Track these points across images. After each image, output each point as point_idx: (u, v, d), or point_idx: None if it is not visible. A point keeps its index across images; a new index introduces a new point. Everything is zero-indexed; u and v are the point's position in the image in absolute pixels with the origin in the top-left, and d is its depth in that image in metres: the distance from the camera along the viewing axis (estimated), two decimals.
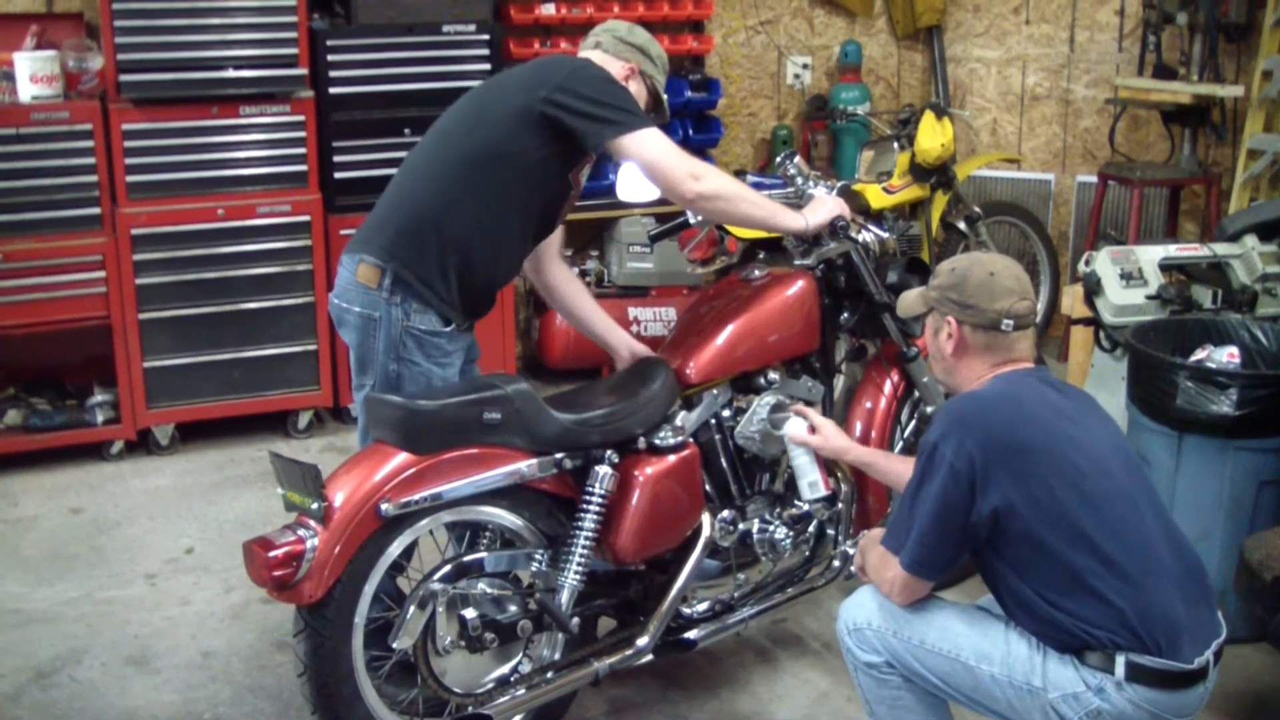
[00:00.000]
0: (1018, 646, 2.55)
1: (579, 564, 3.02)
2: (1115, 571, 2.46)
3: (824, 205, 3.42)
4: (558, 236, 3.49)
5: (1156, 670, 2.44)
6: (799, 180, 3.66)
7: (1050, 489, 2.47)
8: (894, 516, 2.65)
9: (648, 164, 3.12)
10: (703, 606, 3.36)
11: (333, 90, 5.21)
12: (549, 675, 3.04)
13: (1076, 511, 2.47)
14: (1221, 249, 4.43)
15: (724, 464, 3.39)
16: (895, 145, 5.73)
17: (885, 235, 3.58)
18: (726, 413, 3.39)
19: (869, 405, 3.75)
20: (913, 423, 3.80)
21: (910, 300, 2.85)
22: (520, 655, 3.12)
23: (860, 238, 3.54)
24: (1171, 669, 2.45)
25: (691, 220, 3.58)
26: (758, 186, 3.94)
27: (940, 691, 2.66)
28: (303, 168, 5.18)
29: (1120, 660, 2.44)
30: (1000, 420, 2.53)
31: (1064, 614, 2.48)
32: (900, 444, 3.77)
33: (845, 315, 3.63)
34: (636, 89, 3.29)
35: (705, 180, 3.13)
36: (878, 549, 2.68)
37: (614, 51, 3.31)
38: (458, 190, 3.10)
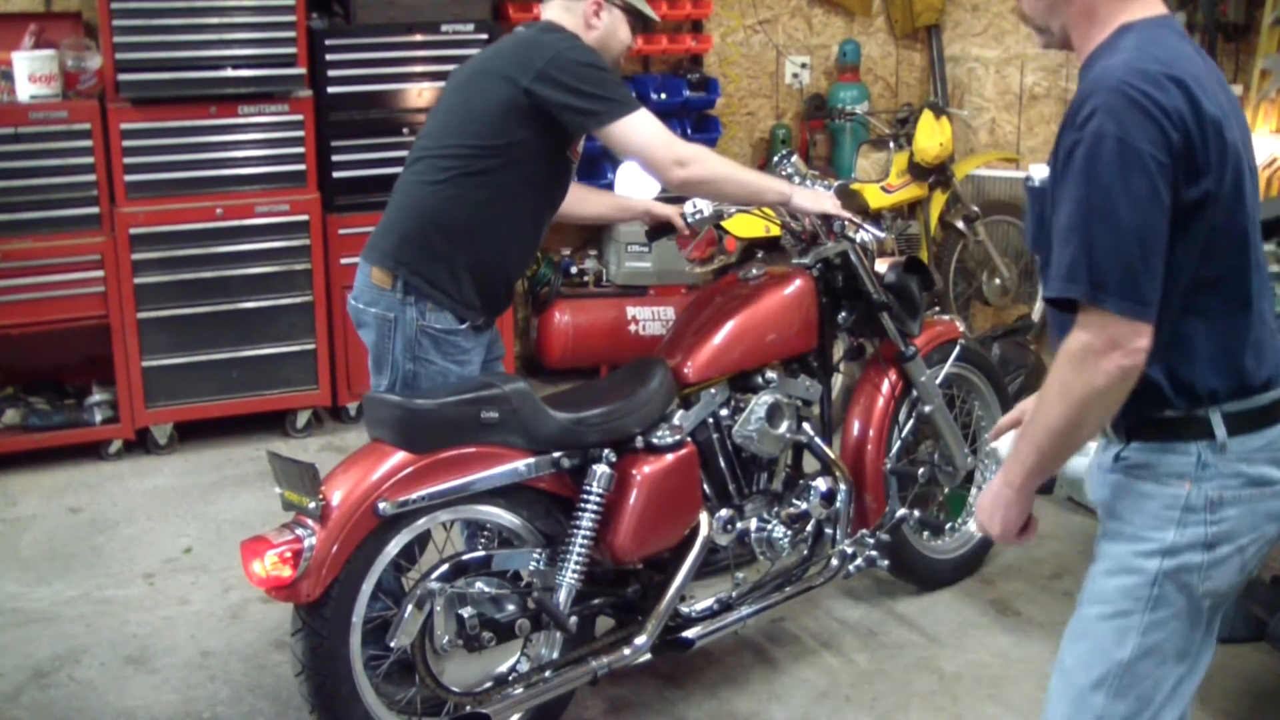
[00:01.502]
0: (1103, 571, 2.13)
1: (577, 563, 3.02)
2: (1242, 285, 2.06)
3: (817, 194, 3.43)
4: None
5: (1256, 409, 2.07)
6: (796, 180, 3.66)
7: (1224, 177, 1.99)
8: (1057, 260, 1.99)
9: (633, 150, 3.11)
10: (701, 606, 3.36)
11: (331, 90, 5.21)
12: (547, 674, 3.04)
13: (1241, 205, 2.03)
14: None
15: (722, 463, 3.39)
16: (890, 145, 5.74)
17: (882, 235, 3.58)
18: (724, 412, 3.39)
19: (867, 405, 3.75)
20: (910, 422, 3.80)
21: None
22: (518, 654, 3.12)
23: (857, 237, 3.54)
24: (1268, 400, 2.09)
25: (689, 220, 3.58)
26: None
27: (1151, 687, 2.10)
28: (301, 167, 5.18)
29: (1216, 416, 2.05)
30: (1182, 91, 1.95)
31: (1175, 351, 2.02)
32: (898, 443, 3.77)
33: (843, 315, 3.63)
34: (609, 19, 3.20)
35: (690, 166, 3.10)
36: (1072, 338, 2.00)
37: None
38: (456, 190, 3.10)
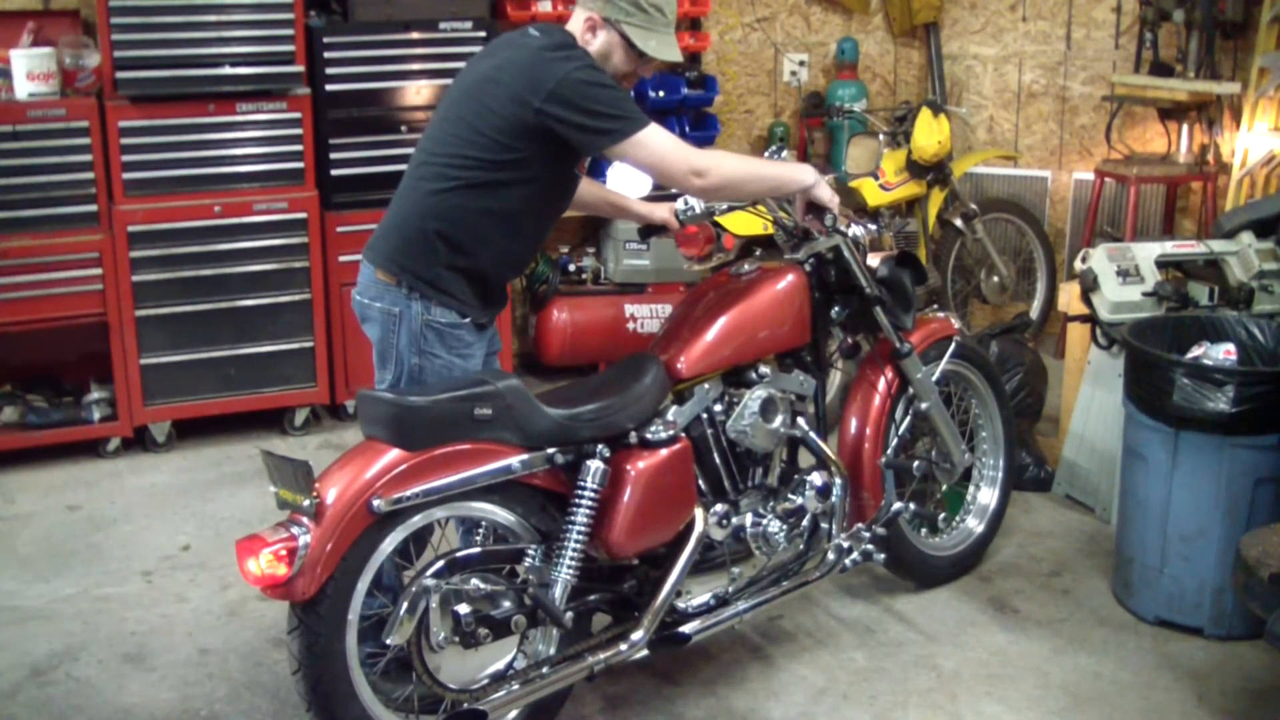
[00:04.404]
0: None
1: (572, 559, 3.02)
2: None
3: (829, 188, 3.45)
4: None
5: None
6: None
7: None
8: None
9: (648, 167, 3.13)
10: (697, 601, 3.36)
11: (330, 87, 5.21)
12: (543, 671, 3.04)
13: None
14: (1218, 246, 4.44)
15: (716, 458, 3.39)
16: (880, 139, 5.72)
17: (874, 229, 3.58)
18: (718, 407, 3.39)
19: (863, 401, 3.75)
20: (908, 419, 3.80)
21: None
22: (515, 651, 3.12)
23: (850, 232, 3.55)
24: None
25: (682, 217, 3.58)
26: None
27: None
28: (299, 165, 5.18)
29: None
30: None
31: None
32: (895, 440, 3.77)
33: (836, 309, 3.63)
34: (606, 38, 3.17)
35: (708, 175, 3.13)
36: None
37: (582, 4, 3.21)
38: (461, 199, 3.10)
